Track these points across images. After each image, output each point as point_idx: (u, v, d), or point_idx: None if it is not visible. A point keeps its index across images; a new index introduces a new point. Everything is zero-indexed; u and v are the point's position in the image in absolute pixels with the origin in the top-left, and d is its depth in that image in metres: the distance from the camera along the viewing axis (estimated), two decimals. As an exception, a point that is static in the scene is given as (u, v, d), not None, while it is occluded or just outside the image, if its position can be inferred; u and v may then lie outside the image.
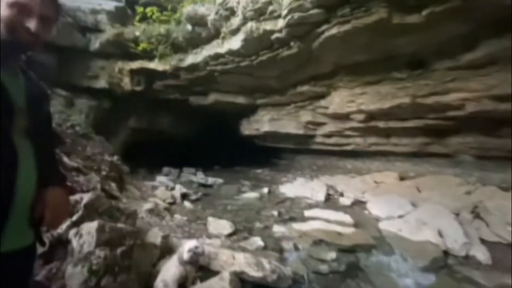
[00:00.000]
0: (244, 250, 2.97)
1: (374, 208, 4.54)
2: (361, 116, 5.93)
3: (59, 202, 0.97)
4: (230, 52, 5.41)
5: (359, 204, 5.05)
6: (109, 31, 6.55)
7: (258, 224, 3.96)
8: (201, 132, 10.44)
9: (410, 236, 3.46)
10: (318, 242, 3.35)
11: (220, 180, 7.04)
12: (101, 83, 7.16)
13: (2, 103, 0.82)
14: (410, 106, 4.95)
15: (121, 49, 6.69)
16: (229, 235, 3.44)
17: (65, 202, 1.04)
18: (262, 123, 8.12)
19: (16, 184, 0.83)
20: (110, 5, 6.94)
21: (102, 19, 6.76)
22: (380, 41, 4.06)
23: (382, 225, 3.89)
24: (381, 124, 5.93)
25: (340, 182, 6.30)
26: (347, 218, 4.05)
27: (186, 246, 1.94)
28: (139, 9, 6.30)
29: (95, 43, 6.80)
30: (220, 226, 3.66)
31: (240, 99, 7.67)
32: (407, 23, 3.46)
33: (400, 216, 4.00)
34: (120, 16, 6.85)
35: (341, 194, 5.58)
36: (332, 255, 3.03)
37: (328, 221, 3.96)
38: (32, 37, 0.86)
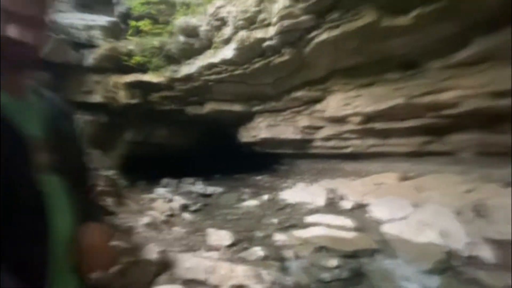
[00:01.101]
0: (244, 261, 2.92)
1: (376, 210, 4.48)
2: (357, 119, 5.92)
3: (96, 240, 0.79)
4: (223, 62, 5.45)
5: (360, 207, 4.98)
6: (103, 46, 6.60)
7: (258, 233, 3.90)
8: (199, 142, 10.42)
9: (413, 238, 3.40)
10: (319, 249, 3.29)
11: (219, 189, 6.98)
12: (96, 98, 7.16)
13: (9, 138, 0.64)
14: (406, 107, 4.95)
15: (115, 63, 6.73)
16: (229, 246, 3.39)
17: (103, 240, 0.82)
18: (259, 130, 8.12)
19: (50, 229, 0.69)
20: (103, 20, 7.01)
21: (95, 34, 6.81)
22: (371, 44, 4.09)
23: (384, 228, 3.83)
24: (378, 125, 5.92)
25: (341, 185, 6.24)
26: (349, 222, 3.99)
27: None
28: (132, 23, 6.37)
29: (89, 58, 6.83)
30: (220, 237, 3.60)
31: (236, 107, 7.69)
32: (396, 25, 3.49)
33: (402, 218, 3.94)
34: (113, 31, 6.91)
35: (342, 198, 5.51)
36: (334, 262, 2.96)
37: (329, 226, 3.90)
38: (19, 47, 0.65)
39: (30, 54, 0.69)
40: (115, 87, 6.94)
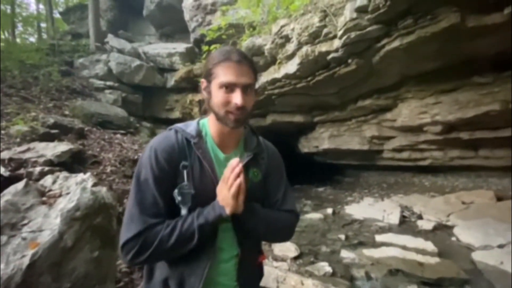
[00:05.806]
0: (311, 275, 2.94)
1: (464, 234, 3.90)
2: (437, 128, 5.30)
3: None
4: (287, 76, 5.61)
5: (443, 228, 4.40)
6: (181, 70, 7.61)
7: (324, 248, 3.84)
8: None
9: (517, 272, 2.85)
10: (394, 272, 3.05)
11: (281, 200, 7.05)
12: (176, 114, 8.25)
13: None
14: (502, 114, 4.22)
15: (191, 84, 7.65)
16: (295, 258, 3.43)
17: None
18: (321, 140, 7.97)
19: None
20: (182, 47, 8.12)
21: (176, 60, 7.93)
22: (453, 46, 3.67)
23: (477, 256, 3.30)
24: (464, 135, 5.18)
25: (417, 202, 5.62)
26: (429, 246, 3.59)
27: None
28: (205, 48, 7.14)
29: (171, 81, 7.97)
30: (285, 248, 3.67)
31: (298, 118, 7.74)
32: (487, 24, 3.07)
33: (501, 246, 3.34)
34: (190, 56, 7.91)
35: (419, 217, 4.96)
36: (412, 288, 2.72)
37: (405, 248, 3.58)
38: (240, 109, 0.84)
39: (245, 113, 0.87)
40: (191, 104, 7.87)
